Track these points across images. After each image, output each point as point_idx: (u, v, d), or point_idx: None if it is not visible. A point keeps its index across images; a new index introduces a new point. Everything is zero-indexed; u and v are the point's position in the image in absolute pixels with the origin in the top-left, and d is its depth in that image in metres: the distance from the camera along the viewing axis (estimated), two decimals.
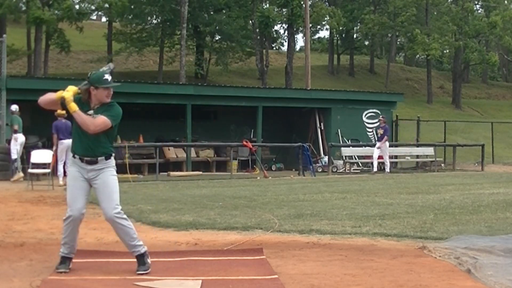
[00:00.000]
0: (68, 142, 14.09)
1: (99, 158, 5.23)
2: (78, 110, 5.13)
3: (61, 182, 13.69)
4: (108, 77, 5.20)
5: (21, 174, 14.57)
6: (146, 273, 5.18)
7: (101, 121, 5.14)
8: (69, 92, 5.15)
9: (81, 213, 5.26)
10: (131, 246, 5.31)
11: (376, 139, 19.76)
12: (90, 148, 5.22)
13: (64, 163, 14.02)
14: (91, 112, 5.19)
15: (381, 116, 19.96)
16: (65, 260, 5.26)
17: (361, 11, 41.86)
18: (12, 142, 14.84)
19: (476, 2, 45.22)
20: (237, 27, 33.89)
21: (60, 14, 26.39)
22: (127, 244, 5.33)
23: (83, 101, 5.22)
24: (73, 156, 5.31)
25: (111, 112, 5.22)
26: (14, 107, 14.97)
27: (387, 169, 19.38)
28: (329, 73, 45.01)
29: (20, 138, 14.94)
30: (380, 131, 19.41)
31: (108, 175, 5.26)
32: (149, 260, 5.32)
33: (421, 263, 5.71)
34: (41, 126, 15.41)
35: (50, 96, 5.26)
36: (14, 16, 28.31)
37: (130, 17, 33.29)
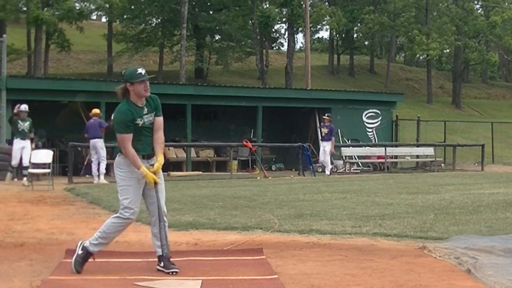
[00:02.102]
0: (93, 141, 14.44)
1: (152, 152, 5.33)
2: (161, 158, 5.35)
3: (98, 181, 14.10)
4: (141, 70, 5.20)
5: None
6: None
7: (162, 123, 5.37)
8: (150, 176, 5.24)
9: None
10: (164, 246, 5.30)
11: (321, 138, 18.70)
12: (149, 145, 5.33)
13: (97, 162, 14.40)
14: (145, 112, 5.24)
15: (326, 115, 19.01)
16: (86, 259, 5.23)
17: (361, 11, 41.81)
18: (29, 149, 13.87)
19: (476, 2, 45.14)
20: (237, 26, 33.84)
21: (60, 14, 26.35)
22: (163, 244, 5.29)
23: (129, 103, 5.20)
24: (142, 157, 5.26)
25: (160, 106, 5.35)
26: (25, 107, 14.02)
27: (327, 171, 18.41)
28: (329, 73, 44.99)
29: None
30: (325, 130, 18.57)
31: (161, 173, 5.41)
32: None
33: (421, 263, 5.69)
34: (41, 126, 15.43)
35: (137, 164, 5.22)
36: (14, 16, 28.23)
37: (130, 17, 33.22)
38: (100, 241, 5.26)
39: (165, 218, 5.35)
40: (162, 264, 5.27)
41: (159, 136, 5.33)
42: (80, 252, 5.21)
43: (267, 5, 35.64)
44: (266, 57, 34.92)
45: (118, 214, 5.26)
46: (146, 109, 5.25)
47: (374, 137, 22.49)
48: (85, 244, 5.26)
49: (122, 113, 5.17)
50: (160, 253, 5.29)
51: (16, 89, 16.42)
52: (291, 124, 22.99)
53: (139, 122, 5.21)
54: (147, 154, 5.31)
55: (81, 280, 4.94)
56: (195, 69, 35.91)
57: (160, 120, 5.33)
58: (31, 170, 13.00)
